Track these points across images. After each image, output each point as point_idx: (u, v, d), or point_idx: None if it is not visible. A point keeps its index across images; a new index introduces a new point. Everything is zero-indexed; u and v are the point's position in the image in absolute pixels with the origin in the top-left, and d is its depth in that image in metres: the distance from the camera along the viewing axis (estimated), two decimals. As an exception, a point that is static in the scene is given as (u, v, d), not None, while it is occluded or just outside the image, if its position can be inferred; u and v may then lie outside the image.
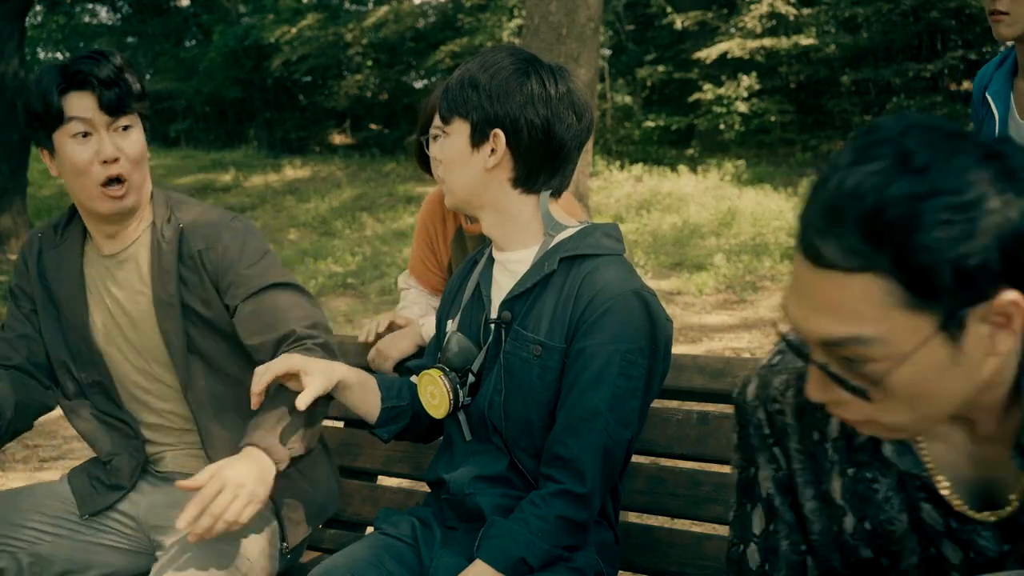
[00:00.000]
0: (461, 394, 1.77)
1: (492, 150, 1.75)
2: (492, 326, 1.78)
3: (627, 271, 1.75)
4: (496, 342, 1.77)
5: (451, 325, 1.87)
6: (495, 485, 1.77)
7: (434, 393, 1.78)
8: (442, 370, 1.78)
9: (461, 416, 1.81)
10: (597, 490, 1.69)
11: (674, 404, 3.18)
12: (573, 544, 1.72)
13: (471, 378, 1.78)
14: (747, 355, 5.55)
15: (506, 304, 1.77)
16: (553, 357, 1.72)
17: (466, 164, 1.76)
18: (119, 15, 25.00)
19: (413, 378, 1.90)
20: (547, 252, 1.77)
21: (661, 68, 14.87)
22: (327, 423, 3.45)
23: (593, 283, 1.71)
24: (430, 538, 1.82)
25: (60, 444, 5.08)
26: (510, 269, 1.80)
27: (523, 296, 1.76)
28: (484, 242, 1.98)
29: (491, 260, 1.86)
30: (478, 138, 1.75)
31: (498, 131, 1.74)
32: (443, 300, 1.97)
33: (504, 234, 1.81)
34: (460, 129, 1.76)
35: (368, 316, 7.54)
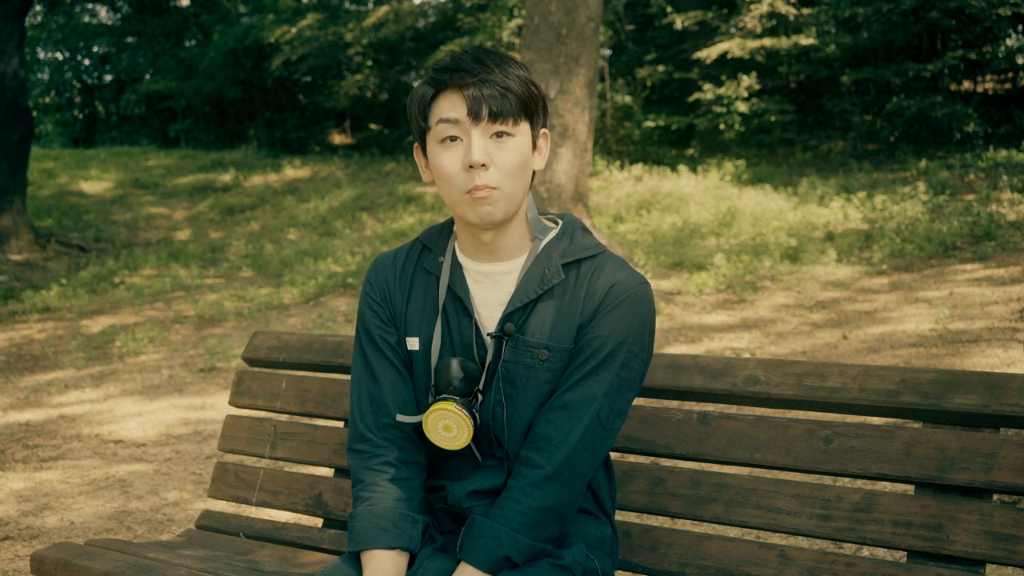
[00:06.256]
0: (477, 417, 1.72)
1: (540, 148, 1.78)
2: (491, 339, 1.74)
3: (626, 264, 1.77)
4: (495, 355, 1.75)
5: (415, 343, 1.80)
6: (491, 497, 1.77)
7: (448, 426, 1.70)
8: (453, 400, 1.70)
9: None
10: (577, 475, 1.69)
11: (674, 404, 3.19)
12: (556, 534, 1.72)
13: (479, 398, 1.74)
14: (747, 355, 5.55)
15: (506, 316, 1.74)
16: (561, 358, 1.72)
17: (528, 168, 1.75)
18: (119, 15, 25.02)
19: (401, 417, 1.79)
20: (538, 258, 1.75)
21: (661, 68, 14.88)
22: (327, 423, 3.45)
23: (605, 281, 1.72)
24: (428, 542, 1.81)
25: (60, 444, 5.07)
26: (496, 280, 1.76)
27: (524, 305, 1.74)
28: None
29: (458, 271, 1.79)
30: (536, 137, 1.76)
31: (546, 130, 1.78)
32: (383, 318, 1.83)
33: (506, 243, 1.77)
34: (524, 131, 1.73)
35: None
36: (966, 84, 14.20)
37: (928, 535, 1.70)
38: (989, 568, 2.61)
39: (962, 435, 1.71)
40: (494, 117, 1.65)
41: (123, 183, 16.61)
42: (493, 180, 1.66)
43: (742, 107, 13.32)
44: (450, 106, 1.67)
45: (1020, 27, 13.70)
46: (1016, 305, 5.98)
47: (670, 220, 10.10)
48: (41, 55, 25.23)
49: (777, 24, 13.43)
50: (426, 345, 1.78)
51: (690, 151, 14.72)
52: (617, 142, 15.21)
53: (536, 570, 1.67)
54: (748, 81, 13.33)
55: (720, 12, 14.42)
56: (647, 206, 11.01)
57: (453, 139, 1.67)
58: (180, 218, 14.50)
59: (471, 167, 1.65)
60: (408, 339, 1.80)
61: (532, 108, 1.71)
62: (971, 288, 6.55)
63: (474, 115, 1.65)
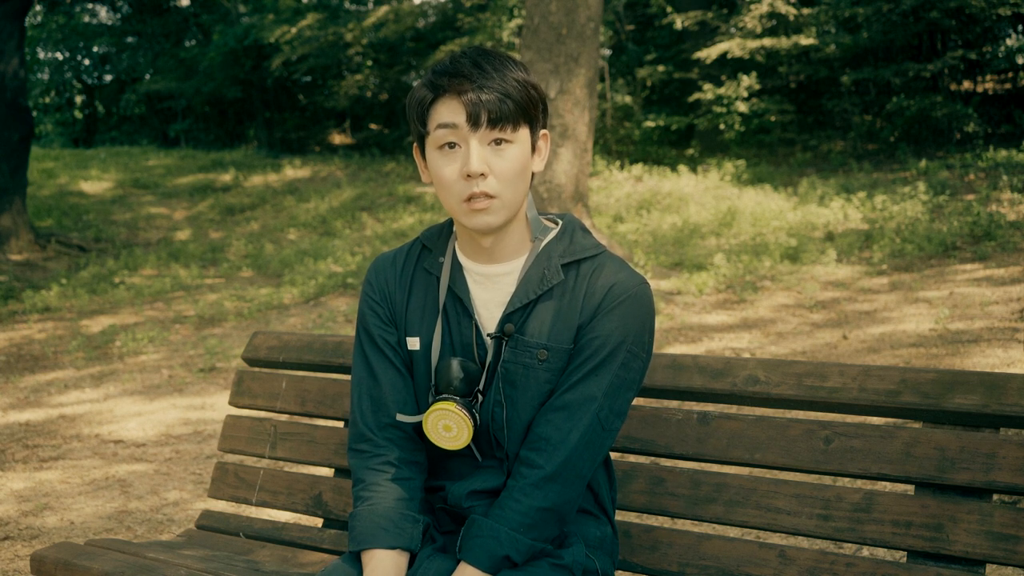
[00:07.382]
0: (477, 417, 1.72)
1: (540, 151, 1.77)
2: (491, 340, 1.74)
3: (626, 265, 1.77)
4: (495, 355, 1.74)
5: (416, 343, 1.79)
6: (491, 498, 1.77)
7: (448, 426, 1.70)
8: (454, 400, 1.70)
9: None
10: (576, 475, 1.69)
11: (674, 404, 3.18)
12: (556, 534, 1.72)
13: (479, 398, 1.74)
14: (747, 355, 5.55)
15: (506, 316, 1.73)
16: (560, 359, 1.71)
17: (527, 173, 1.73)
18: (119, 15, 25.01)
19: (401, 416, 1.78)
20: (538, 258, 1.75)
21: (661, 68, 14.88)
22: (327, 423, 3.45)
23: (605, 282, 1.71)
24: (428, 542, 1.81)
25: (60, 444, 5.07)
26: (496, 281, 1.76)
27: (523, 306, 1.74)
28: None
29: (459, 271, 1.78)
30: (535, 141, 1.75)
31: (546, 132, 1.76)
32: (383, 318, 1.83)
33: (506, 245, 1.76)
34: (523, 136, 1.71)
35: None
36: (966, 84, 14.20)
37: (928, 535, 1.70)
38: (989, 568, 2.61)
39: (962, 435, 1.71)
40: (493, 123, 1.64)
41: (123, 183, 16.61)
42: (492, 188, 1.65)
43: (742, 107, 13.32)
44: (449, 112, 1.65)
45: (1020, 27, 13.70)
46: (1016, 305, 5.98)
47: (670, 220, 10.10)
48: (41, 55, 25.23)
49: (777, 24, 13.43)
50: (426, 345, 1.78)
51: (690, 151, 14.72)
52: (617, 142, 15.21)
53: (536, 570, 1.67)
54: (748, 81, 13.33)
55: (720, 12, 14.42)
56: (647, 206, 11.01)
57: (452, 146, 1.66)
58: (180, 218, 14.50)
59: (469, 176, 1.64)
60: (408, 339, 1.80)
61: (532, 113, 1.69)
62: (971, 288, 6.55)
63: (473, 121, 1.63)
